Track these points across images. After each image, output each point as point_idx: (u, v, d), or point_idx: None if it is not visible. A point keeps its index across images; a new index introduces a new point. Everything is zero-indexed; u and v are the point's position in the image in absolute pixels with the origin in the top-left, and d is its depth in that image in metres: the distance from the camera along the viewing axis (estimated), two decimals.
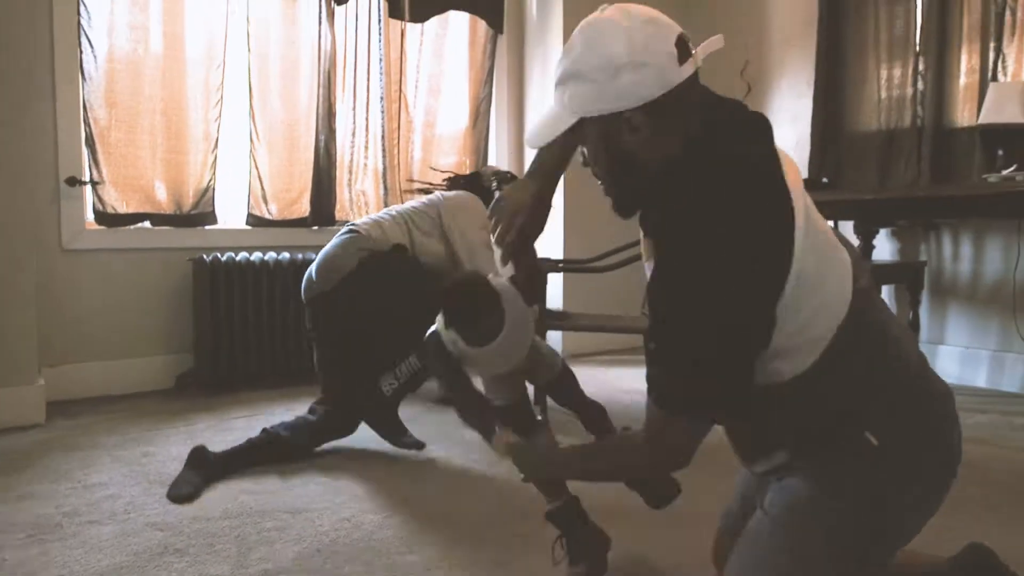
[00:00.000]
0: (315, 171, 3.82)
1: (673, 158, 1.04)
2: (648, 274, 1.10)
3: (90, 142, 3.28)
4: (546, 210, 1.40)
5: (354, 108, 3.95)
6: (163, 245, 3.48)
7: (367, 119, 4.00)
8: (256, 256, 3.51)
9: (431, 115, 4.25)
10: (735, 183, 0.99)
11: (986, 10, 3.37)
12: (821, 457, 1.07)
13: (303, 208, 3.83)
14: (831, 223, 3.86)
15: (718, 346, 0.94)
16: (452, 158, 4.33)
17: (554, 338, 4.19)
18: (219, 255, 3.42)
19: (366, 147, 4.01)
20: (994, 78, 3.33)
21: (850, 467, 1.06)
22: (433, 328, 1.45)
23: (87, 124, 3.27)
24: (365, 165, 4.03)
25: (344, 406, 2.54)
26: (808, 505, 1.07)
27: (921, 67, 3.61)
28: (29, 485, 2.23)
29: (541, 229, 1.39)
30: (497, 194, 1.44)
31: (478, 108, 4.38)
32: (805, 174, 3.94)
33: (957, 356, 3.61)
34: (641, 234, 1.13)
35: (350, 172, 3.98)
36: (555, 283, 4.28)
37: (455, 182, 3.18)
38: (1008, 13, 3.30)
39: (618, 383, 3.57)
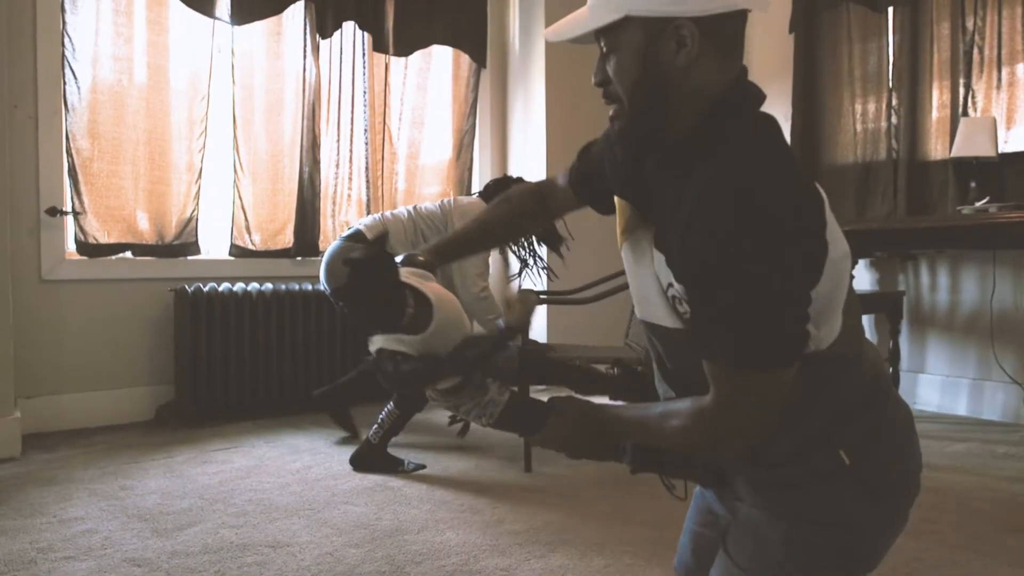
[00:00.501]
0: (299, 202, 3.83)
1: (705, 106, 0.92)
2: (628, 256, 1.02)
3: (72, 172, 3.27)
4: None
5: (338, 139, 3.98)
6: (144, 276, 3.46)
7: (351, 150, 4.02)
8: (239, 287, 3.50)
9: (415, 146, 4.28)
10: (781, 143, 0.92)
11: (955, 48, 3.47)
12: (787, 482, 1.02)
13: (287, 239, 3.83)
14: None
15: (786, 289, 0.85)
16: (436, 188, 4.36)
17: None
18: (201, 286, 3.40)
19: (350, 178, 4.03)
20: (964, 113, 3.43)
21: (819, 491, 1.01)
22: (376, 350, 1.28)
23: (70, 155, 3.26)
24: (349, 196, 4.04)
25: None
26: (778, 546, 1.01)
27: (894, 102, 3.71)
28: (2, 520, 2.18)
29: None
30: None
31: (461, 140, 4.42)
32: None
33: (937, 385, 3.65)
34: (619, 215, 1.03)
35: (334, 203, 3.99)
36: (538, 315, 4.29)
37: (487, 187, 3.18)
38: (976, 51, 3.41)
39: None
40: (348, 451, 2.83)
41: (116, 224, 3.39)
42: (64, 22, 3.22)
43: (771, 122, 0.95)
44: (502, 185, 3.16)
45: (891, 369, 3.50)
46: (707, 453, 1.05)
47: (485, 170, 4.57)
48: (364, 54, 4.04)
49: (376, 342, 1.12)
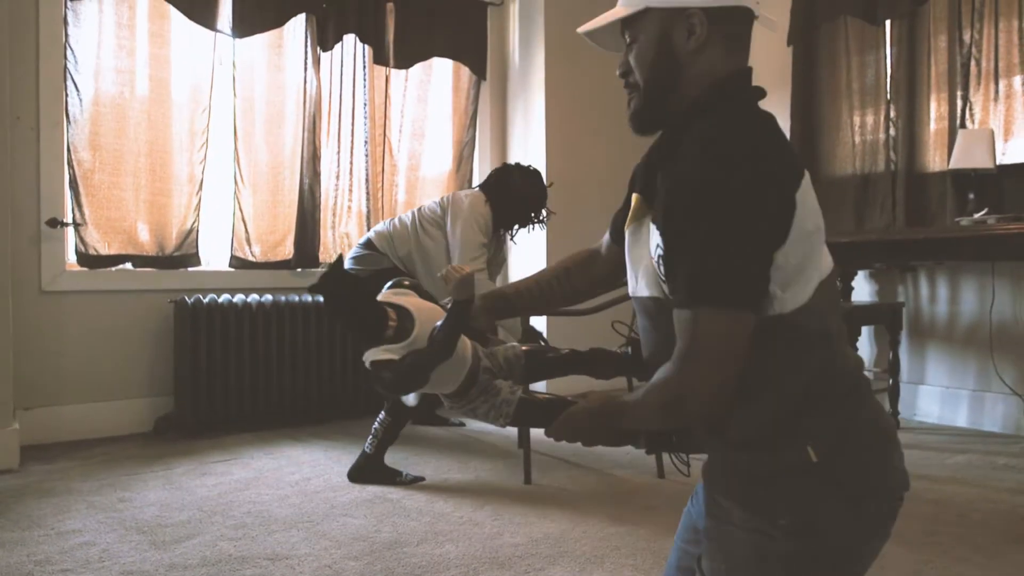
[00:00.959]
0: (299, 213, 3.84)
1: (708, 89, 1.04)
2: (629, 240, 1.09)
3: (73, 184, 3.28)
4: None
5: (338, 151, 3.99)
6: (145, 287, 3.46)
7: (351, 162, 4.03)
8: (239, 298, 3.50)
9: (415, 158, 4.30)
10: (768, 121, 1.02)
11: (952, 60, 3.49)
12: (756, 473, 1.02)
13: (287, 250, 3.83)
14: None
15: (743, 228, 0.92)
16: (436, 199, 4.36)
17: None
18: (201, 297, 3.40)
19: (350, 190, 4.04)
20: (962, 125, 3.44)
21: (787, 487, 1.00)
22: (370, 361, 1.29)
23: (71, 166, 3.28)
24: (349, 207, 4.05)
25: None
26: (752, 563, 1.01)
27: (893, 114, 3.72)
28: (0, 532, 2.17)
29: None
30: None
31: (461, 152, 4.44)
32: None
33: (937, 396, 3.64)
34: (630, 212, 1.10)
35: (334, 214, 4.00)
36: (538, 326, 4.28)
37: (489, 177, 3.17)
38: (973, 63, 3.43)
39: None
40: (348, 462, 2.83)
41: (117, 235, 3.39)
42: (67, 35, 3.24)
43: (764, 113, 1.04)
44: (503, 175, 3.12)
45: (891, 381, 3.50)
46: (677, 423, 1.06)
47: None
48: (365, 67, 4.06)
49: (368, 356, 1.15)
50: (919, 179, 3.63)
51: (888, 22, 3.74)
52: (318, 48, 3.89)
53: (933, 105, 3.59)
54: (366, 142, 4.07)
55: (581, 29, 1.14)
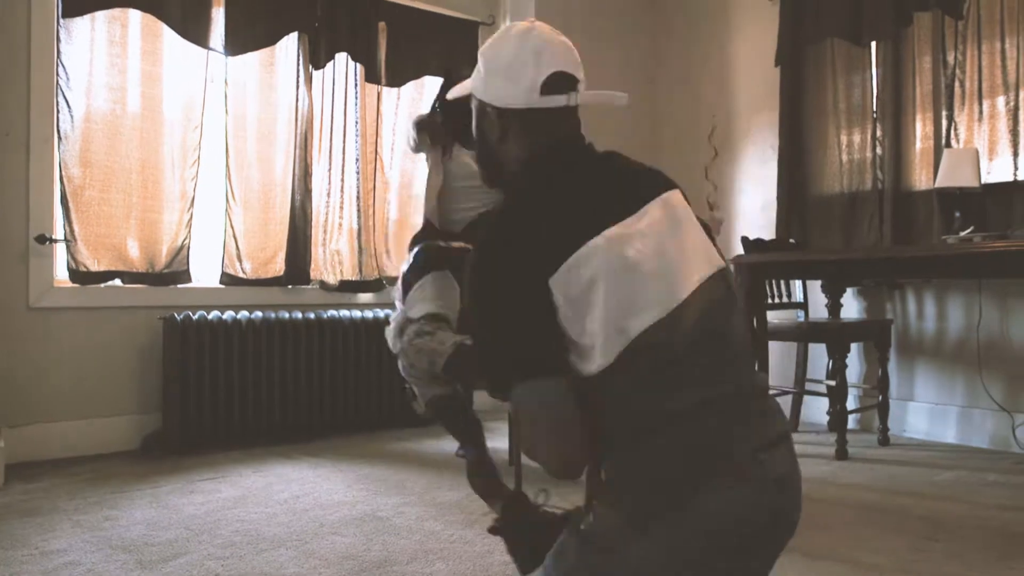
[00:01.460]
0: (291, 230, 3.84)
1: (519, 168, 1.21)
2: None
3: (64, 200, 3.27)
4: None
5: (330, 169, 4.00)
6: (134, 303, 3.45)
7: (343, 179, 4.04)
8: (229, 315, 3.49)
9: (407, 176, 4.30)
10: (538, 201, 1.13)
11: (936, 81, 3.55)
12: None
13: (278, 267, 3.83)
14: (799, 282, 3.92)
15: (505, 322, 1.07)
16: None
17: None
18: (191, 314, 3.39)
19: (341, 207, 4.05)
20: (947, 144, 3.49)
21: (597, 504, 1.11)
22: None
23: (61, 182, 3.27)
24: (340, 225, 4.05)
25: None
26: (550, 557, 1.14)
27: (879, 133, 3.77)
28: None
29: None
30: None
31: None
32: (773, 235, 4.04)
33: (926, 413, 3.66)
34: None
35: (325, 231, 4.00)
36: None
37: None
38: (957, 84, 3.48)
39: None
40: (337, 480, 2.80)
41: (106, 252, 3.38)
42: (59, 51, 3.25)
43: (558, 183, 1.15)
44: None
45: (880, 397, 3.51)
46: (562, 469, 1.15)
47: None
48: (357, 85, 4.08)
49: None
50: (906, 197, 3.67)
51: (873, 44, 3.80)
52: (310, 66, 3.91)
53: (919, 125, 3.64)
54: (357, 159, 4.08)
55: (451, 95, 1.35)
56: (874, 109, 3.81)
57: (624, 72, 4.59)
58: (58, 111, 3.25)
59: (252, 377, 3.48)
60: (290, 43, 3.85)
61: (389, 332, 2.08)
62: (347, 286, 4.01)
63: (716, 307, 1.10)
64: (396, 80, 4.22)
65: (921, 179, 3.62)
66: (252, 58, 3.75)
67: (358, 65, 4.07)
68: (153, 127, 3.49)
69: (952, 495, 2.74)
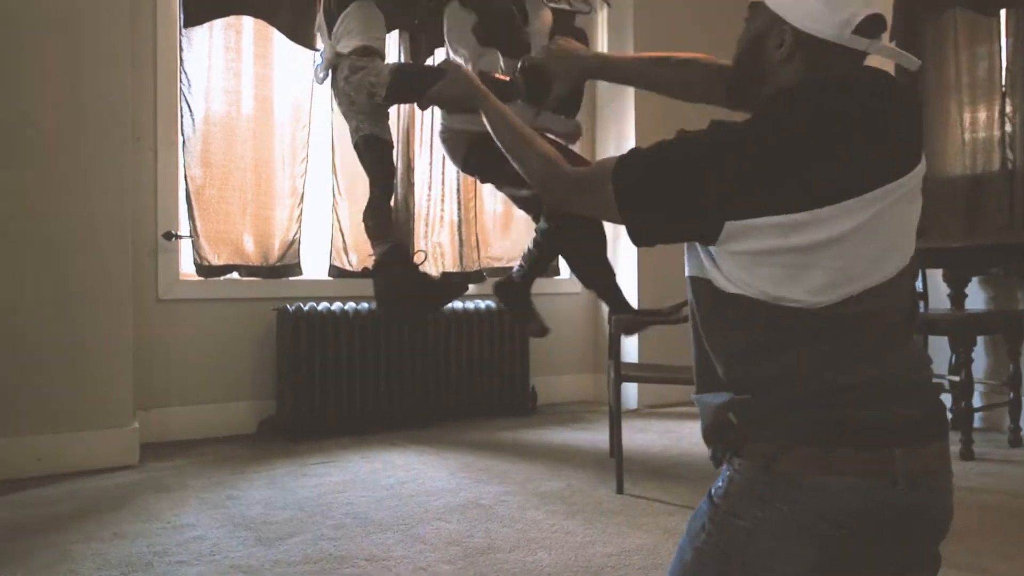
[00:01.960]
0: (394, 224, 3.95)
1: (775, 92, 1.11)
2: None
3: (187, 199, 3.49)
4: None
5: (431, 163, 4.08)
6: (250, 295, 3.64)
7: (443, 173, 4.11)
8: (337, 306, 3.63)
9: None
10: (797, 126, 1.04)
11: None
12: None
13: None
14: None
15: (696, 171, 1.04)
16: None
17: (629, 389, 4.13)
18: (302, 305, 3.55)
19: (442, 200, 4.12)
20: None
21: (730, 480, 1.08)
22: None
23: (185, 182, 3.49)
24: (441, 217, 4.13)
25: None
26: (695, 518, 1.13)
27: (1008, 109, 3.50)
28: (123, 524, 2.32)
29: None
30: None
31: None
32: None
33: None
34: None
35: (427, 224, 4.09)
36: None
37: None
38: None
39: (695, 436, 3.48)
40: (441, 467, 2.87)
41: (225, 247, 3.59)
42: (181, 59, 3.46)
43: (818, 109, 1.05)
44: None
45: (1011, 395, 3.27)
46: (525, 176, 1.25)
47: None
48: None
49: None
50: None
51: (1003, 12, 3.52)
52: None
53: None
54: None
55: None
56: (1003, 83, 3.53)
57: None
58: (181, 116, 3.47)
59: (359, 366, 3.61)
60: (392, 41, 3.95)
61: (317, 68, 2.11)
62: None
63: (904, 293, 1.08)
64: None
65: None
66: None
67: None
68: (265, 127, 3.67)
69: None
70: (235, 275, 3.63)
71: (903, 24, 3.83)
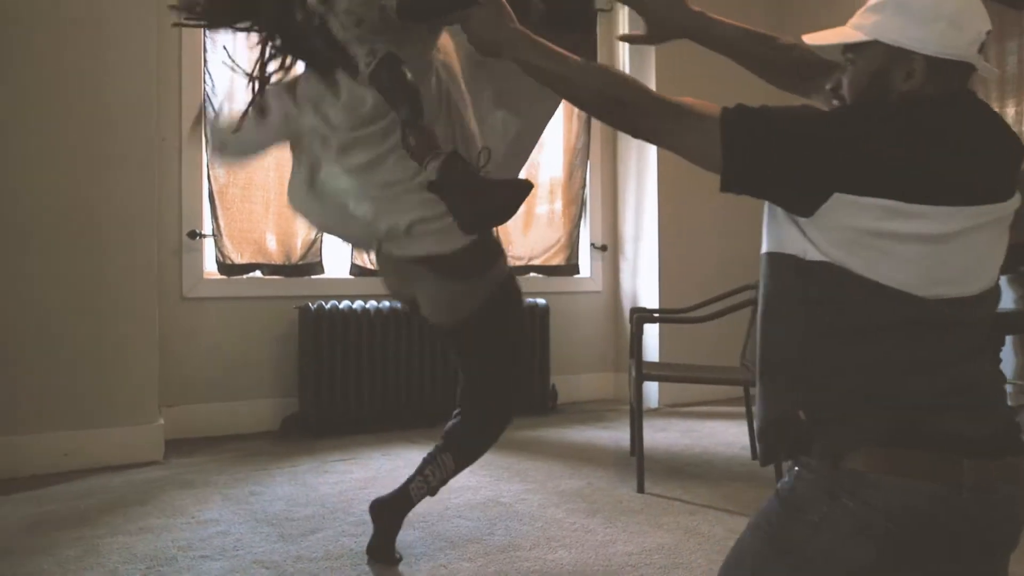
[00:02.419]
0: None
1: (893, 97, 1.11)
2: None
3: (211, 198, 3.53)
4: None
5: None
6: (272, 293, 3.67)
7: None
8: (358, 304, 3.65)
9: (532, 166, 4.32)
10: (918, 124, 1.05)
11: None
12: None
13: None
14: None
15: (802, 135, 1.03)
16: (556, 204, 4.39)
17: (650, 388, 4.12)
18: (324, 303, 3.57)
19: None
20: None
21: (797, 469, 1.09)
22: None
23: (208, 182, 3.52)
24: None
25: None
26: (751, 525, 1.13)
27: None
28: (148, 519, 2.36)
29: None
30: None
31: (573, 160, 4.44)
32: None
33: None
34: None
35: None
36: (651, 333, 4.23)
37: None
38: None
39: (716, 436, 3.46)
40: None
41: (248, 246, 3.62)
42: (205, 60, 3.50)
43: (936, 121, 1.06)
44: None
45: None
46: (601, 106, 1.19)
47: (596, 187, 4.56)
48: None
49: None
50: None
51: None
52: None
53: None
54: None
55: (807, 40, 1.18)
56: None
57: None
58: (205, 116, 3.50)
59: (380, 364, 3.63)
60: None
61: None
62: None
63: (987, 313, 1.10)
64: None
65: None
66: None
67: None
68: None
69: None
70: (258, 273, 3.67)
71: None
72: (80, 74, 2.96)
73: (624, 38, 1.60)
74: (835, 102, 1.15)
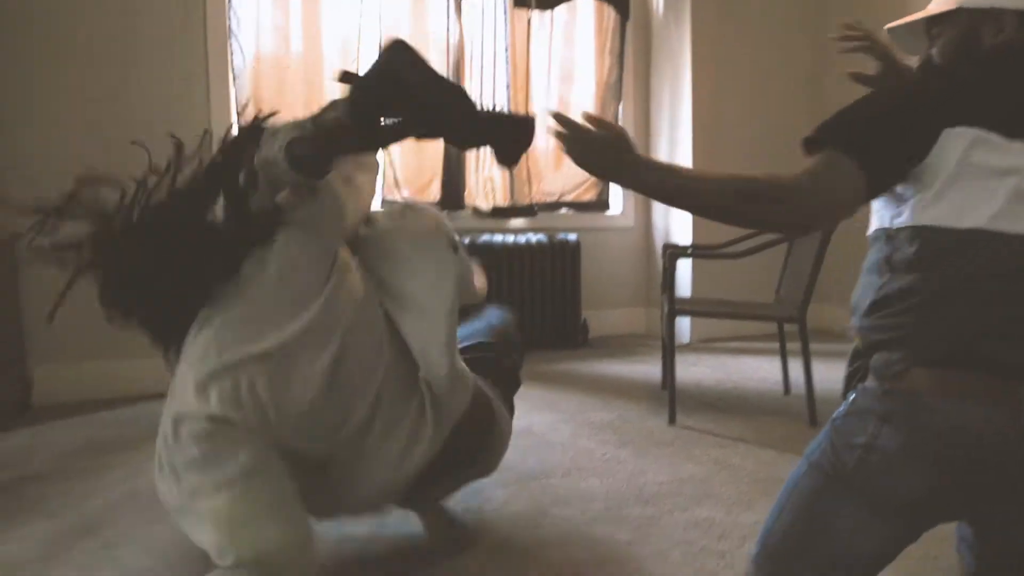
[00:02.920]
0: (445, 157, 3.94)
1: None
2: None
3: None
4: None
5: (481, 96, 4.03)
6: None
7: (493, 106, 4.06)
8: None
9: (563, 103, 4.24)
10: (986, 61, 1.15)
11: None
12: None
13: (434, 193, 3.96)
14: None
15: (885, 115, 1.10)
16: None
17: (682, 324, 4.11)
18: None
19: None
20: None
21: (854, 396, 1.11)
22: None
23: (238, 121, 3.52)
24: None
25: None
26: (823, 433, 1.15)
27: None
28: None
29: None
30: None
31: (606, 94, 4.35)
32: None
33: None
34: None
35: (477, 158, 4.06)
36: (684, 269, 4.19)
37: None
38: None
39: (749, 372, 3.45)
40: None
41: None
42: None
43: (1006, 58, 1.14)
44: None
45: None
46: (740, 214, 1.14)
47: (628, 123, 4.47)
48: (506, 11, 4.04)
49: None
50: None
51: None
52: None
53: None
54: (508, 86, 4.08)
55: (888, 27, 1.29)
56: None
57: (785, 68, 4.25)
58: (231, 53, 3.48)
59: None
60: None
61: None
62: (500, 212, 4.08)
63: None
64: (547, 3, 4.14)
65: None
66: None
67: None
68: (315, 65, 3.66)
69: None
70: None
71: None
72: (110, 12, 2.95)
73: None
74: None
